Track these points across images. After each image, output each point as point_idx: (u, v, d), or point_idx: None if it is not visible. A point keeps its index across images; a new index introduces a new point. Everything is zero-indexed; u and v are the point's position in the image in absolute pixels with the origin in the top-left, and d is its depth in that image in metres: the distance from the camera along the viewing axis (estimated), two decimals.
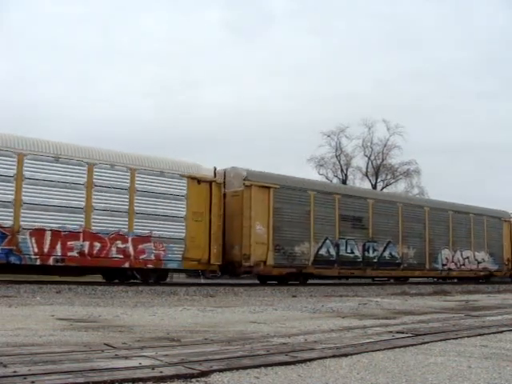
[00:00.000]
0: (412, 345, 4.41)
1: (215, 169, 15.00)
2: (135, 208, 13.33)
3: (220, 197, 14.92)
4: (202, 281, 17.87)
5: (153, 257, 13.51)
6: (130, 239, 13.19)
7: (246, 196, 15.16)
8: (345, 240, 17.57)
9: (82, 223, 12.61)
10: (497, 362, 3.74)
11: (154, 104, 66.15)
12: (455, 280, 22.80)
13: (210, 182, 14.64)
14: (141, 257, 13.32)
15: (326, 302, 9.83)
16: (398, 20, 63.87)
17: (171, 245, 13.84)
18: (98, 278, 14.97)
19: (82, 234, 12.55)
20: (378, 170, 42.31)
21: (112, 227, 12.99)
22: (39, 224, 12.07)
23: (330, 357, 3.68)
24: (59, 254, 12.23)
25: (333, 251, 17.16)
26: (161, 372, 2.95)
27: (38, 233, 12.02)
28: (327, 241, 17.04)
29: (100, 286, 12.14)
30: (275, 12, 67.10)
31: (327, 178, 41.21)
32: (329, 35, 66.51)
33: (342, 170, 42.32)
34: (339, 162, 42.14)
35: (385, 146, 42.01)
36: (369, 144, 42.21)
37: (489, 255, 23.45)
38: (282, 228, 15.82)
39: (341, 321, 6.51)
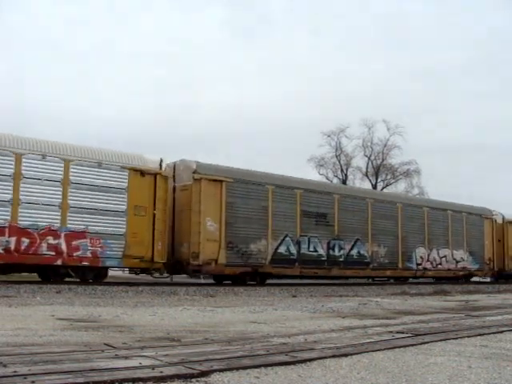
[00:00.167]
0: (412, 345, 4.41)
1: (161, 160, 14.06)
2: (69, 202, 12.46)
3: (166, 190, 13.97)
4: (202, 281, 17.89)
5: (89, 254, 12.62)
6: (62, 235, 12.31)
7: (195, 190, 14.23)
8: (307, 237, 16.51)
9: (8, 217, 11.76)
10: (497, 362, 3.74)
11: (154, 104, 66.15)
12: (433, 280, 21.82)
13: (155, 175, 13.67)
14: (75, 254, 12.44)
15: (326, 302, 9.83)
16: (397, 20, 63.90)
17: (110, 241, 12.92)
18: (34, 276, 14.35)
19: (7, 229, 11.71)
20: (378, 170, 42.29)
21: (42, 222, 12.11)
22: None
23: (330, 357, 3.68)
24: None
25: (293, 249, 16.15)
26: (161, 372, 2.95)
27: None
28: (287, 238, 15.99)
29: (100, 285, 12.13)
30: (275, 12, 67.12)
31: (327, 178, 41.23)
32: (329, 35, 66.53)
33: (342, 170, 42.32)
34: (339, 162, 42.14)
35: (385, 146, 42.00)
36: (369, 144, 42.21)
37: (468, 254, 22.33)
38: (235, 224, 14.83)
39: (341, 321, 6.51)
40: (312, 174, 39.22)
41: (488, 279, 24.59)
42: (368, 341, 4.54)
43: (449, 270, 21.37)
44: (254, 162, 49.24)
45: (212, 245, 14.30)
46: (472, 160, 64.07)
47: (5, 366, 2.99)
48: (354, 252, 17.87)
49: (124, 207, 13.22)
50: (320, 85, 62.20)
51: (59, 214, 12.36)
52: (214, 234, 14.39)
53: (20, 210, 11.95)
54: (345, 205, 17.75)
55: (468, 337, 5.07)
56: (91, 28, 65.35)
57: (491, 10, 67.21)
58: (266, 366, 3.29)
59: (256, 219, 15.34)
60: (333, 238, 17.25)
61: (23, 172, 12.06)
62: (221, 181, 14.67)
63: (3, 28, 61.08)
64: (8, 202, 11.90)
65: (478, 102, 67.04)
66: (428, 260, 20.52)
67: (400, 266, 19.33)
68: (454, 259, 21.70)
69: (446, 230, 21.47)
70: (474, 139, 64.83)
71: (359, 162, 42.65)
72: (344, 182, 40.67)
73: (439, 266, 20.96)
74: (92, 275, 13.09)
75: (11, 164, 11.97)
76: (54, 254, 12.22)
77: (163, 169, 14.01)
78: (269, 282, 16.70)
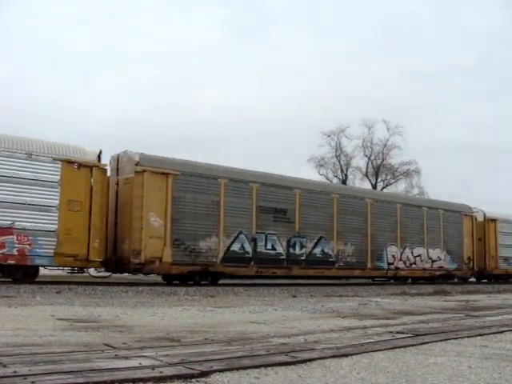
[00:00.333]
0: (412, 345, 4.41)
1: (100, 152, 13.18)
2: None
3: (104, 184, 13.09)
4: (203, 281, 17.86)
5: (15, 251, 11.74)
6: None
7: (137, 183, 13.32)
8: (264, 235, 15.47)
9: None
10: (497, 362, 3.74)
11: (154, 104, 66.17)
12: (409, 280, 20.82)
13: (92, 167, 12.75)
14: (0, 251, 11.56)
15: (326, 302, 9.83)
16: (397, 20, 63.93)
17: (39, 238, 11.99)
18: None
19: None
20: (378, 170, 42.30)
21: None
22: None
23: (330, 357, 3.68)
24: None
25: (248, 247, 15.10)
26: (161, 372, 2.95)
27: None
28: (241, 235, 14.98)
29: (100, 285, 12.13)
30: (275, 12, 67.14)
31: (327, 178, 41.24)
32: (328, 35, 66.54)
33: (342, 170, 42.33)
34: (339, 162, 42.15)
35: (385, 146, 42.01)
36: (369, 144, 42.22)
37: (446, 253, 21.16)
38: (183, 220, 13.90)
39: (341, 321, 6.51)
40: (312, 174, 39.26)
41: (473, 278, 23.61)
42: (368, 341, 4.54)
43: (424, 269, 20.32)
44: (254, 162, 49.24)
45: (156, 242, 13.40)
46: (472, 160, 64.14)
47: (5, 366, 3.00)
48: (318, 250, 16.84)
49: (56, 202, 12.29)
50: (320, 85, 62.24)
51: None
52: (158, 231, 13.47)
53: None
54: (307, 200, 16.71)
55: (468, 337, 5.07)
56: (91, 28, 65.40)
57: (491, 10, 67.26)
58: (266, 366, 3.29)
59: (206, 215, 14.37)
60: (293, 235, 16.24)
61: None
62: (167, 174, 13.75)
63: (3, 28, 61.10)
64: None
65: (477, 102, 67.10)
66: (401, 259, 19.45)
67: (369, 265, 18.28)
68: (430, 258, 20.63)
69: (420, 228, 20.42)
70: (474, 139, 64.91)
71: (359, 162, 42.69)
72: (344, 182, 40.69)
73: (413, 265, 19.93)
74: (20, 274, 12.26)
75: None
76: None
77: (102, 161, 13.14)
78: (273, 282, 16.65)
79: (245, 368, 3.21)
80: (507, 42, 66.90)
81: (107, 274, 14.25)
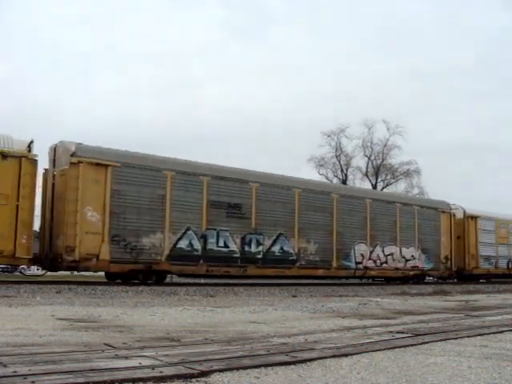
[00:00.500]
0: (412, 345, 4.41)
1: (31, 142, 12.33)
2: None
3: (34, 176, 12.33)
4: (202, 280, 17.89)
5: None
6: None
7: (72, 175, 12.49)
8: (216, 231, 14.58)
9: None
10: (497, 362, 3.74)
11: (154, 104, 66.18)
12: (382, 280, 20.16)
13: (20, 158, 11.92)
14: None
15: (326, 302, 9.83)
16: (397, 20, 63.95)
17: None
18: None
19: None
20: (378, 170, 42.34)
21: None
22: None
23: (330, 357, 3.68)
24: None
25: (197, 244, 14.23)
26: (161, 372, 2.95)
27: None
28: (189, 232, 14.10)
29: (100, 285, 12.14)
30: (275, 12, 67.13)
31: (327, 178, 41.29)
32: (328, 35, 66.57)
33: (342, 170, 42.39)
34: (339, 162, 42.22)
35: (385, 146, 42.10)
36: (369, 144, 42.31)
37: (421, 252, 20.09)
38: (124, 215, 13.09)
39: (341, 321, 6.51)
40: (312, 174, 39.32)
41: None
42: (368, 341, 4.54)
43: (396, 269, 19.30)
44: (254, 162, 49.28)
45: (93, 238, 12.59)
46: (472, 160, 64.15)
47: (5, 366, 3.00)
48: (276, 248, 15.87)
49: None
50: (320, 85, 62.25)
51: None
52: (95, 226, 12.65)
53: None
54: (265, 195, 15.77)
55: (468, 337, 5.07)
56: (91, 28, 65.39)
57: (491, 10, 67.25)
58: (266, 366, 3.29)
59: (150, 209, 13.53)
60: (249, 232, 15.28)
61: None
62: (106, 165, 12.90)
63: (3, 28, 61.11)
64: None
65: (478, 102, 67.13)
66: (370, 258, 18.40)
67: (335, 264, 17.31)
68: (403, 257, 19.55)
69: (393, 225, 19.30)
70: (474, 139, 64.93)
71: (359, 162, 42.78)
72: (344, 182, 40.73)
73: (384, 264, 18.83)
74: None
75: None
76: None
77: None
78: (272, 281, 16.36)
79: (245, 368, 3.21)
80: (507, 42, 67.05)
81: (41, 272, 13.66)
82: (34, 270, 20.42)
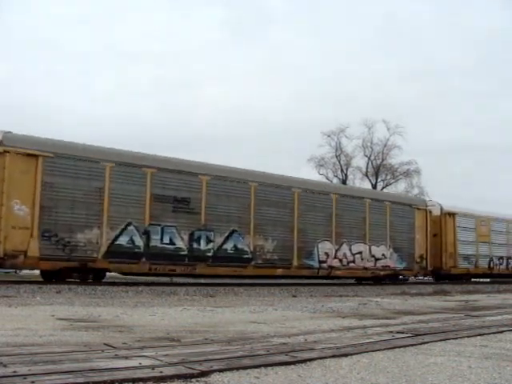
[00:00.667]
0: (412, 345, 4.41)
1: None
2: None
3: None
4: (202, 280, 17.89)
5: None
6: None
7: None
8: (160, 227, 13.57)
9: None
10: (497, 362, 3.74)
11: (154, 104, 66.20)
12: (353, 280, 18.93)
13: None
14: None
15: (326, 302, 9.83)
16: (397, 20, 63.95)
17: None
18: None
19: None
20: (378, 170, 42.35)
21: None
22: None
23: (330, 357, 3.68)
24: None
25: (139, 241, 13.23)
26: (161, 372, 2.95)
27: None
28: (130, 227, 13.11)
29: (100, 285, 12.13)
30: (275, 12, 67.16)
31: (327, 178, 41.32)
32: (328, 35, 66.58)
33: (342, 170, 42.40)
34: (339, 162, 42.23)
35: (385, 146, 42.10)
36: (369, 144, 42.31)
37: (392, 250, 18.78)
38: (56, 209, 12.18)
39: (341, 321, 6.51)
40: (312, 174, 39.34)
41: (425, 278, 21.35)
42: (368, 341, 4.54)
43: (365, 268, 18.08)
44: (254, 162, 49.28)
45: (20, 233, 11.70)
46: (472, 160, 64.17)
47: (5, 366, 3.00)
48: (229, 246, 14.78)
49: None
50: (320, 85, 62.28)
51: None
52: (23, 220, 11.76)
53: None
54: (217, 188, 14.68)
55: (468, 337, 5.07)
56: (91, 28, 65.41)
57: (491, 10, 67.26)
58: (266, 366, 3.29)
59: (86, 203, 12.54)
60: (198, 228, 14.20)
61: None
62: (36, 155, 11.99)
63: (3, 28, 61.13)
64: None
65: (478, 102, 67.12)
66: (336, 257, 17.20)
67: (295, 263, 16.15)
68: (373, 256, 18.28)
69: (362, 222, 18.06)
70: (474, 139, 64.94)
71: (359, 162, 42.79)
72: (344, 182, 40.76)
73: (352, 264, 17.63)
74: None
75: None
76: None
77: None
78: (262, 282, 15.89)
79: (245, 368, 3.21)
80: (507, 42, 66.98)
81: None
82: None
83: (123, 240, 13.02)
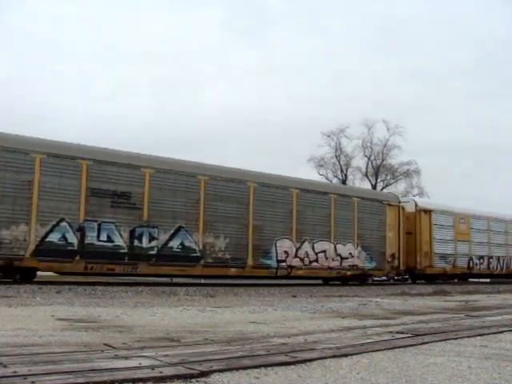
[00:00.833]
0: (412, 345, 4.41)
1: None
2: None
3: None
4: (202, 281, 17.89)
5: None
6: None
7: None
8: (97, 223, 12.70)
9: None
10: (497, 363, 3.74)
11: (154, 104, 66.19)
12: (321, 281, 17.91)
13: None
14: None
15: (326, 303, 9.83)
16: (397, 20, 63.94)
17: None
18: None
19: None
20: (378, 170, 42.35)
21: None
22: None
23: (330, 357, 3.68)
24: None
25: (73, 238, 12.37)
26: (161, 372, 2.95)
27: None
28: (63, 223, 12.25)
29: (100, 286, 12.14)
30: (275, 12, 67.15)
31: (327, 179, 41.33)
32: (328, 35, 66.56)
33: (341, 171, 42.40)
34: (339, 162, 42.24)
35: (385, 146, 42.11)
36: (369, 144, 42.32)
37: (361, 249, 17.74)
38: None
39: (341, 321, 6.51)
40: (312, 174, 39.34)
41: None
42: (368, 341, 4.54)
43: (330, 268, 16.99)
44: (254, 161, 49.29)
45: None
46: (472, 160, 64.16)
47: (5, 366, 3.00)
48: (175, 244, 13.87)
49: None
50: (320, 85, 62.26)
51: None
52: None
53: None
54: (160, 182, 13.78)
55: (468, 337, 5.07)
56: (91, 28, 65.40)
57: (491, 10, 67.26)
58: (265, 366, 3.29)
59: (12, 197, 11.70)
60: (140, 224, 13.33)
61: None
62: None
63: (3, 28, 61.13)
64: None
65: (478, 102, 67.12)
66: (296, 256, 16.15)
67: (251, 262, 15.13)
68: (339, 255, 17.23)
69: (326, 219, 17.03)
70: (474, 139, 64.92)
71: (359, 162, 42.79)
72: (344, 182, 40.75)
73: (315, 263, 16.56)
74: None
75: None
76: None
77: None
78: (261, 282, 15.78)
79: (245, 368, 3.21)
80: (507, 42, 66.96)
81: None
82: None
83: (54, 237, 12.21)
